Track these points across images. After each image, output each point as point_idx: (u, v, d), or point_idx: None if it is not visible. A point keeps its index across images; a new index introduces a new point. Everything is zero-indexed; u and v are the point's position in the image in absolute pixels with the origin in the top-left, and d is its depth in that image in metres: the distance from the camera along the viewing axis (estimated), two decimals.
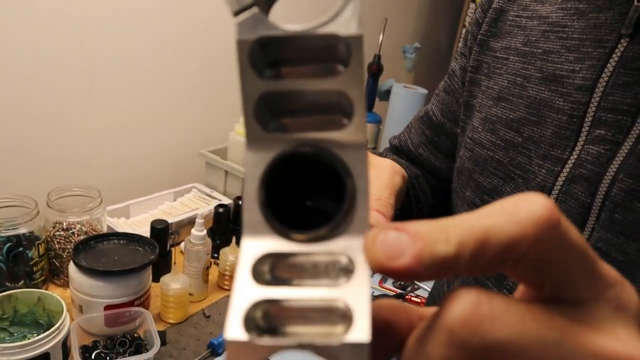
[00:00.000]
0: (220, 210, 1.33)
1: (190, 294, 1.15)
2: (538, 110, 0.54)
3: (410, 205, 0.64)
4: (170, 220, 1.25)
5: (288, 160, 0.22)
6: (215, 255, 1.29)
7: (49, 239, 1.12)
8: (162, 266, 1.19)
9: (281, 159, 0.22)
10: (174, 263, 1.15)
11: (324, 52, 0.21)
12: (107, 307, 0.99)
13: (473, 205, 0.61)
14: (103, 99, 1.32)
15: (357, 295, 0.20)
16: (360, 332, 0.19)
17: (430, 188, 0.71)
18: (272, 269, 0.22)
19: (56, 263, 1.13)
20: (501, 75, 0.60)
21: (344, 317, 0.20)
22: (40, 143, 1.23)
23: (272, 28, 0.21)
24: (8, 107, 1.15)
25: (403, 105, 1.99)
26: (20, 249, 1.06)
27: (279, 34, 0.21)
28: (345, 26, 0.20)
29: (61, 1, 1.15)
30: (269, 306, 0.21)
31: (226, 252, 1.23)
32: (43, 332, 0.85)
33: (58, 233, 1.12)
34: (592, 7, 0.51)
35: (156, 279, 1.16)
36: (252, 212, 0.22)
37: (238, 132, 1.51)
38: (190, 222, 1.34)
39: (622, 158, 0.46)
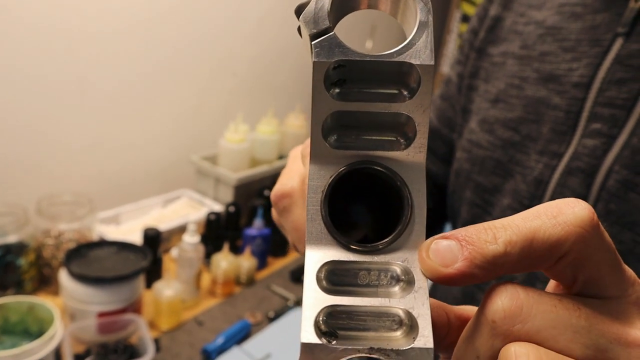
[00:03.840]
0: (212, 217, 1.33)
1: (183, 301, 1.14)
2: (535, 109, 0.55)
3: None
4: (161, 228, 1.24)
5: (350, 175, 0.23)
6: (207, 262, 1.29)
7: (39, 247, 1.11)
8: (153, 273, 1.18)
9: (345, 174, 0.23)
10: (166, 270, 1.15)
11: (394, 77, 0.22)
12: (100, 315, 0.99)
13: (474, 205, 0.62)
14: (93, 106, 1.31)
15: (421, 305, 0.21)
16: (427, 338, 0.21)
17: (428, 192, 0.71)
18: (330, 275, 0.23)
19: (46, 271, 1.12)
20: (498, 79, 0.61)
21: (401, 323, 0.22)
22: (29, 151, 1.21)
23: (347, 52, 0.22)
24: None
25: None
26: (10, 257, 1.05)
27: (356, 59, 0.22)
28: (418, 56, 0.21)
29: (52, 13, 1.14)
30: (331, 311, 0.22)
31: (218, 259, 1.22)
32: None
33: (48, 241, 1.11)
34: (588, 9, 0.52)
35: (148, 286, 1.16)
36: (314, 223, 0.23)
37: (228, 138, 1.51)
38: (181, 229, 1.34)
39: (617, 150, 0.47)
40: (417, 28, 0.22)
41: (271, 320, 1.17)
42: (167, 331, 1.09)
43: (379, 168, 0.23)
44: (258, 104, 1.76)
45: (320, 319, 0.21)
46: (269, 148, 1.63)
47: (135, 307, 1.04)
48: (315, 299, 0.21)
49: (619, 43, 0.49)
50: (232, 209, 1.38)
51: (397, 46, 0.22)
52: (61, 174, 1.28)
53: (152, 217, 1.42)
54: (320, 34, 0.22)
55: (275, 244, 1.42)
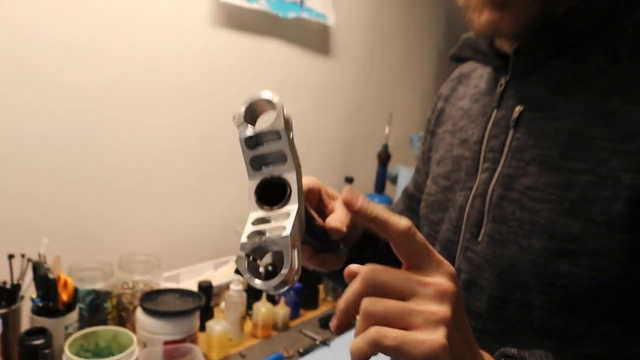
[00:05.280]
0: None
1: (230, 339, 1.40)
2: (458, 163, 0.81)
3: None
4: (213, 282, 1.53)
5: (265, 181, 0.51)
6: (250, 313, 1.56)
7: (119, 295, 1.42)
8: (206, 317, 1.46)
9: (262, 181, 0.51)
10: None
11: (274, 135, 0.50)
12: (165, 343, 1.26)
13: (429, 237, 0.87)
14: (161, 189, 1.67)
15: (290, 221, 0.48)
16: (286, 231, 0.47)
17: None
18: (260, 223, 0.51)
19: (124, 314, 1.42)
20: (440, 148, 0.88)
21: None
22: (114, 220, 1.56)
23: (253, 129, 0.50)
24: (92, 187, 1.50)
25: None
26: (98, 301, 1.36)
27: (255, 132, 0.50)
28: (279, 124, 0.48)
29: (126, 112, 1.54)
30: (257, 237, 0.49)
31: (258, 306, 1.49)
32: None
33: (126, 290, 1.42)
34: (482, 95, 0.80)
35: (202, 328, 1.43)
36: (252, 202, 0.51)
37: None
38: (229, 286, 1.62)
39: (496, 178, 0.72)
40: (276, 116, 0.49)
41: (301, 354, 1.41)
42: None
43: (276, 177, 0.50)
44: None
45: (255, 239, 0.48)
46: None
47: (192, 338, 1.31)
48: (250, 228, 0.48)
49: (494, 113, 0.75)
50: (270, 268, 1.66)
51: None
52: (138, 239, 1.62)
53: (206, 277, 1.72)
54: (239, 127, 0.50)
55: (307, 297, 1.68)
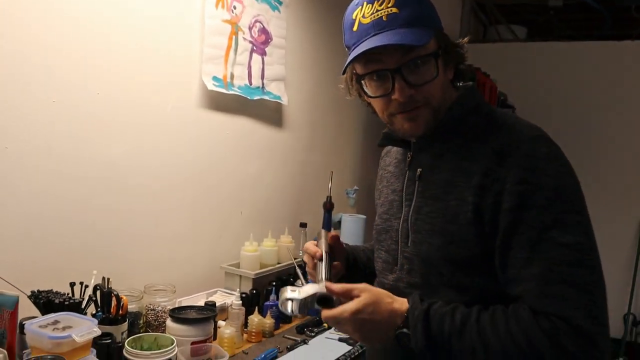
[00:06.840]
0: (244, 295, 2.07)
1: (235, 342, 1.84)
2: (391, 204, 1.18)
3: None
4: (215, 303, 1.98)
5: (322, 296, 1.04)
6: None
7: (146, 314, 1.82)
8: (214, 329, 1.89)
9: (320, 295, 1.03)
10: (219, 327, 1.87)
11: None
12: (193, 343, 1.69)
13: (378, 250, 1.30)
14: (167, 237, 2.11)
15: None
16: (321, 289, 1.03)
17: None
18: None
19: (149, 329, 1.82)
20: (382, 197, 1.34)
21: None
22: (141, 260, 1.98)
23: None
24: (120, 234, 1.92)
25: (351, 228, 2.86)
26: (132, 318, 1.76)
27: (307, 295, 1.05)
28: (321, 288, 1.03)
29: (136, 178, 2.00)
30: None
31: (252, 317, 1.95)
32: None
33: (150, 311, 1.83)
34: (399, 161, 1.20)
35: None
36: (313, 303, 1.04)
37: (246, 250, 2.30)
38: (223, 308, 2.06)
39: (412, 209, 1.09)
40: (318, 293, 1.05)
41: (289, 349, 1.88)
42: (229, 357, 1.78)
43: (326, 294, 1.03)
44: (262, 229, 2.59)
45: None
46: (271, 256, 2.42)
47: (211, 340, 1.74)
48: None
49: (407, 173, 1.15)
50: (254, 291, 2.13)
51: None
52: (157, 274, 2.04)
53: (201, 304, 2.14)
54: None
55: (283, 313, 2.15)
